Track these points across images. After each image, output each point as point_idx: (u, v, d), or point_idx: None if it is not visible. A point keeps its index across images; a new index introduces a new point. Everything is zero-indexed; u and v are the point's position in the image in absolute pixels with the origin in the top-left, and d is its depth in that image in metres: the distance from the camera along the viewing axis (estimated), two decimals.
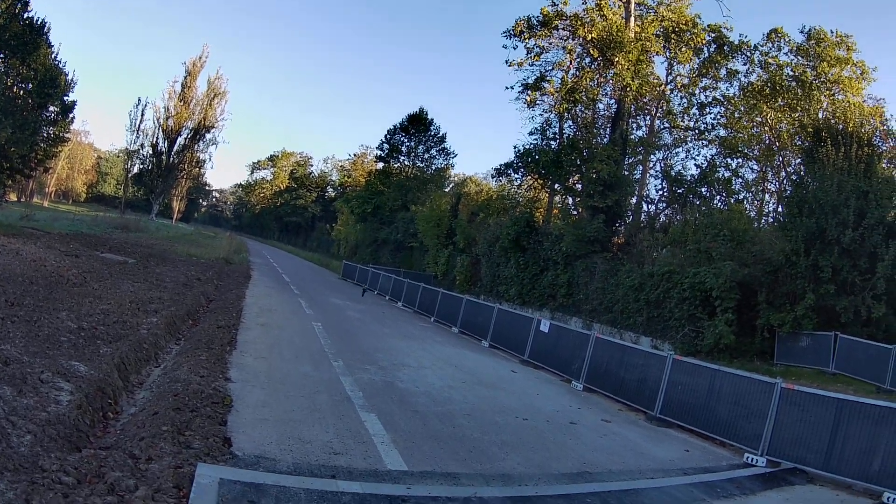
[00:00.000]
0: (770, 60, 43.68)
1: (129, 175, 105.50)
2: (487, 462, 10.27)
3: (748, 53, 45.11)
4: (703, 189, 41.61)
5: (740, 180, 44.59)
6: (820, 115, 38.14)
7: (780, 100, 41.47)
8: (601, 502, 9.02)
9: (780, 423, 13.63)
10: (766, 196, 44.33)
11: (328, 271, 66.46)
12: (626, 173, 42.55)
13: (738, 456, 13.96)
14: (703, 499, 10.43)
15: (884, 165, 32.97)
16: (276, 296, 31.13)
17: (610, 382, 18.56)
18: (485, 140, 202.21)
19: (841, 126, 31.11)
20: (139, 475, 6.85)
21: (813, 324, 27.34)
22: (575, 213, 44.78)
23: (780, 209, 40.04)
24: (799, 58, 42.47)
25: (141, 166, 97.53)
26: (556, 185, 46.93)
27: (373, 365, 16.81)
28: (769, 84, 42.15)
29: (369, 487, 7.85)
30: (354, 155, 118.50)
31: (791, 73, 42.08)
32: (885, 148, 37.09)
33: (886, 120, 39.52)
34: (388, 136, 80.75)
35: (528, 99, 47.33)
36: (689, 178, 42.93)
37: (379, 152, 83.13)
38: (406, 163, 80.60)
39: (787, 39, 43.56)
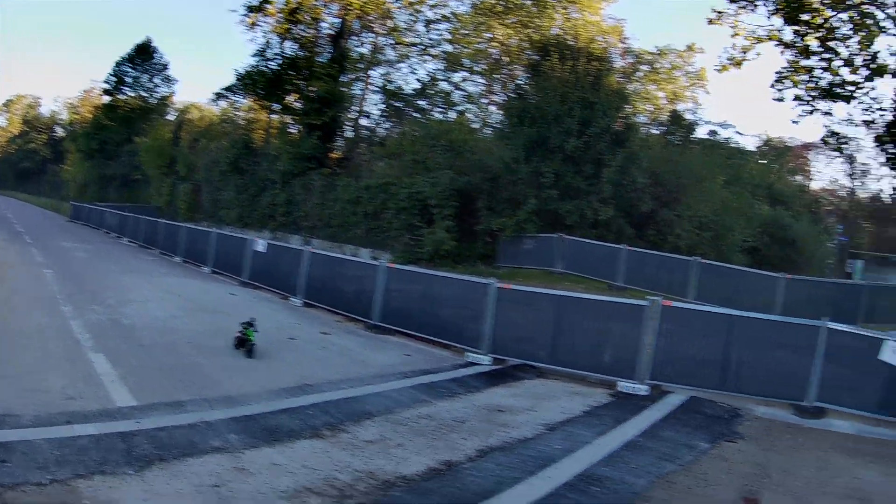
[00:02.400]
0: None
1: None
2: (210, 387, 9.69)
3: None
4: (422, 102, 39.84)
5: (463, 93, 42.22)
6: (553, 32, 36.04)
7: (512, 17, 38.88)
8: (322, 413, 8.77)
9: (502, 322, 12.89)
10: (493, 108, 41.90)
11: (59, 215, 62.09)
12: (345, 90, 39.69)
13: (462, 357, 13.19)
14: (426, 399, 9.97)
15: (618, 80, 32.31)
16: (8, 247, 28.13)
17: (328, 296, 17.49)
18: (217, 67, 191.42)
19: (571, 41, 29.73)
20: None
21: (537, 227, 26.33)
22: (293, 131, 41.52)
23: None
24: None
25: None
26: (276, 105, 42.94)
27: (100, 304, 15.60)
28: (501, 2, 39.35)
29: (103, 427, 7.29)
30: (84, 91, 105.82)
31: None
32: (622, 64, 37.48)
33: (626, 38, 39.21)
34: (116, 68, 71.86)
35: (250, 21, 41.65)
36: (408, 92, 41.06)
37: (106, 86, 73.30)
38: (131, 94, 72.20)
39: None
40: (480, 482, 6.98)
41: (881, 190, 59.65)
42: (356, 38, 42.44)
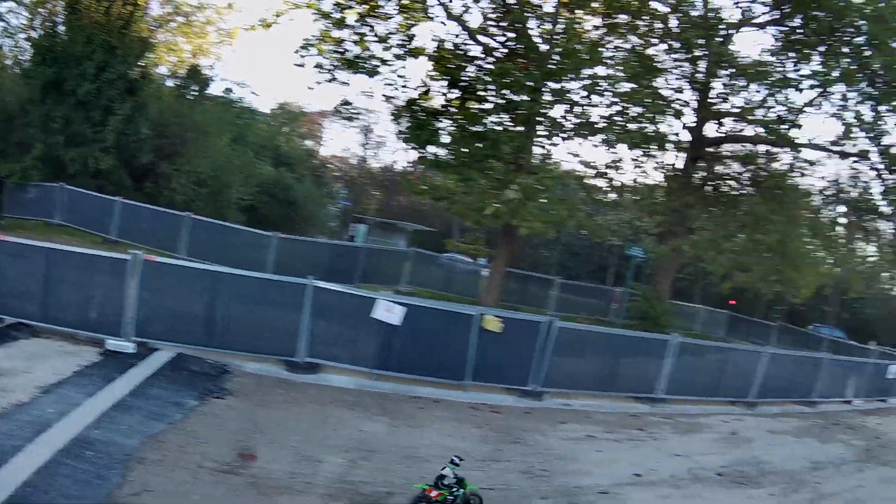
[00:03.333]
0: None
1: None
2: None
3: None
4: None
5: (4, 25, 36.36)
6: None
7: None
8: None
9: None
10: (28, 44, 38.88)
11: None
12: None
13: None
14: None
15: (149, 27, 30.92)
16: None
17: None
18: None
19: None
20: None
21: (42, 175, 24.86)
22: None
23: None
24: None
25: None
26: None
27: None
28: None
29: None
30: None
31: None
32: (160, 12, 34.59)
33: None
34: None
35: None
36: None
37: None
38: None
39: None
40: None
41: (395, 161, 64.70)
42: None
